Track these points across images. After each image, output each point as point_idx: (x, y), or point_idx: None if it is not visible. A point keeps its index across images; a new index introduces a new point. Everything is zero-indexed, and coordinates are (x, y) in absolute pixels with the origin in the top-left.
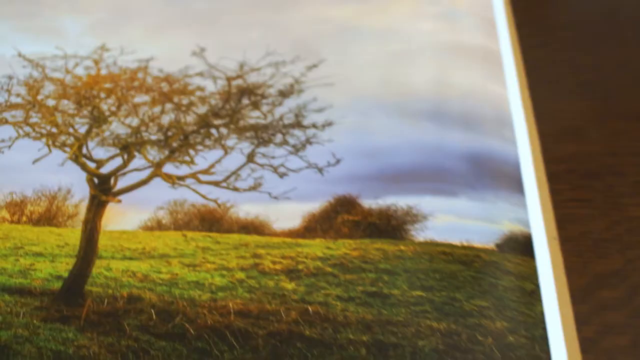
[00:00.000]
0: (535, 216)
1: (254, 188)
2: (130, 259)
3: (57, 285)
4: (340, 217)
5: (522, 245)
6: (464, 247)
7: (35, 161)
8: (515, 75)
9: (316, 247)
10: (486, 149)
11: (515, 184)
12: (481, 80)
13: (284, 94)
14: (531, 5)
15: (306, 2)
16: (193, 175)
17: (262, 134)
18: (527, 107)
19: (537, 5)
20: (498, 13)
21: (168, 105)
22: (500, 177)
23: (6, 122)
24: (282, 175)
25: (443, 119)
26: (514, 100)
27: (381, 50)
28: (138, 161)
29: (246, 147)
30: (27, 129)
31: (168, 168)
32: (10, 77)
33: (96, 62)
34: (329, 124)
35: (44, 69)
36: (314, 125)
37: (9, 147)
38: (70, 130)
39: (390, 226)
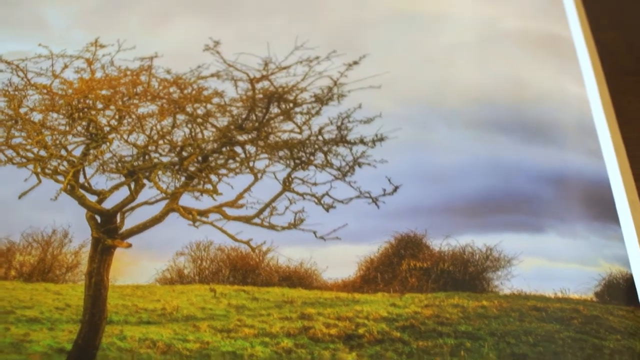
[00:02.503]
0: (634, 253)
1: (294, 225)
2: (148, 323)
3: None
4: (405, 263)
5: (624, 291)
6: (558, 300)
7: (21, 195)
8: (591, 68)
9: (378, 303)
10: (571, 167)
11: (608, 210)
12: (555, 76)
13: (322, 100)
14: None
15: None
16: (218, 209)
17: (298, 153)
18: (608, 107)
19: None
20: None
21: (180, 117)
22: (591, 202)
23: None
24: (328, 208)
25: (518, 130)
26: (593, 100)
27: (436, 42)
28: (148, 191)
29: (280, 170)
30: (10, 152)
31: (186, 200)
32: None
33: (89, 62)
34: (380, 139)
35: (26, 74)
36: (362, 141)
37: None
38: (63, 152)
39: (467, 274)
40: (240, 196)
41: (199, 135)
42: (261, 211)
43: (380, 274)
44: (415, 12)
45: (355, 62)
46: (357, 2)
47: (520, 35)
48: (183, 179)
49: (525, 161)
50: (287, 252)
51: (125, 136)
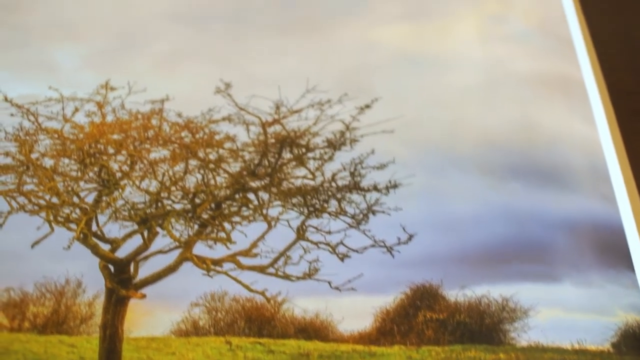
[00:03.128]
0: None
1: (309, 275)
2: None
3: None
4: (422, 315)
5: None
6: (575, 352)
7: (34, 244)
8: (602, 109)
9: (395, 356)
10: (585, 214)
11: (623, 257)
12: (568, 119)
13: (334, 145)
14: (608, 17)
15: (349, 21)
16: (232, 258)
17: (312, 200)
18: (621, 151)
19: (614, 15)
20: (573, 29)
21: (192, 162)
22: (605, 250)
23: None
24: (343, 258)
25: (531, 175)
26: (605, 142)
27: (445, 84)
28: (162, 240)
29: (294, 217)
30: (22, 199)
31: (200, 248)
32: None
33: (100, 106)
34: (394, 186)
35: (37, 117)
36: (376, 188)
37: (1, 225)
38: (75, 199)
39: (484, 326)
40: (254, 245)
41: (212, 182)
42: (275, 260)
43: (396, 326)
44: (424, 55)
45: (367, 106)
46: (366, 45)
47: (531, 76)
48: (196, 226)
49: (539, 208)
50: (303, 303)
51: (137, 182)
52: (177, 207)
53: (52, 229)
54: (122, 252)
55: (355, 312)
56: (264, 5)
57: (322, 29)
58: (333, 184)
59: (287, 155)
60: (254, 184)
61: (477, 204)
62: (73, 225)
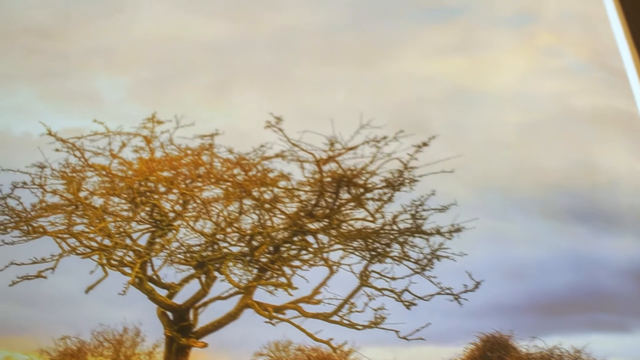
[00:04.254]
0: None
1: (375, 324)
2: None
3: None
4: None
5: None
6: None
7: (88, 289)
8: None
9: None
10: None
11: None
12: (627, 157)
13: (393, 185)
14: None
15: (398, 53)
16: (294, 305)
17: (373, 244)
18: None
19: None
20: (627, 62)
21: (246, 202)
22: None
23: (44, 232)
24: (409, 305)
25: (594, 218)
26: None
27: (503, 121)
28: (220, 285)
29: (356, 262)
30: (72, 241)
31: (260, 294)
32: (41, 167)
33: (148, 141)
34: (457, 229)
35: (83, 153)
36: (439, 232)
37: (53, 269)
38: (128, 241)
39: None
40: (316, 291)
41: (268, 223)
42: (340, 308)
43: None
44: (479, 89)
45: (425, 144)
46: (418, 78)
47: (588, 112)
48: (255, 271)
49: (606, 253)
50: (369, 353)
51: (191, 223)
52: (234, 249)
53: (106, 273)
54: (179, 298)
55: None
56: (310, 35)
57: (372, 60)
58: (394, 227)
59: (344, 195)
60: (313, 225)
61: (542, 250)
62: (127, 269)
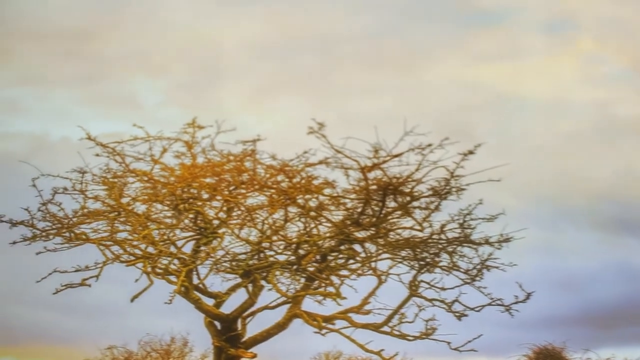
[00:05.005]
0: None
1: (426, 335)
2: None
3: None
4: None
5: None
6: None
7: (133, 298)
8: None
9: None
10: None
11: None
12: None
13: (440, 193)
14: None
15: (442, 59)
16: (344, 316)
17: (421, 253)
18: None
19: None
20: None
21: (291, 209)
22: None
23: (87, 239)
24: (460, 316)
25: None
26: None
27: (550, 129)
28: (267, 294)
29: (405, 272)
30: (116, 249)
31: (308, 304)
32: (82, 172)
33: (189, 146)
34: (506, 240)
35: (124, 158)
36: (488, 242)
37: (97, 277)
38: (172, 249)
39: None
40: (365, 301)
41: (314, 231)
42: (390, 318)
43: None
44: (523, 97)
45: (471, 152)
46: (463, 84)
47: (635, 121)
48: (303, 280)
49: None
50: None
51: (236, 231)
52: (281, 258)
53: (151, 282)
54: (227, 308)
55: None
56: (351, 40)
57: (414, 66)
58: (443, 236)
59: (391, 203)
60: (359, 234)
61: (594, 260)
62: (173, 278)
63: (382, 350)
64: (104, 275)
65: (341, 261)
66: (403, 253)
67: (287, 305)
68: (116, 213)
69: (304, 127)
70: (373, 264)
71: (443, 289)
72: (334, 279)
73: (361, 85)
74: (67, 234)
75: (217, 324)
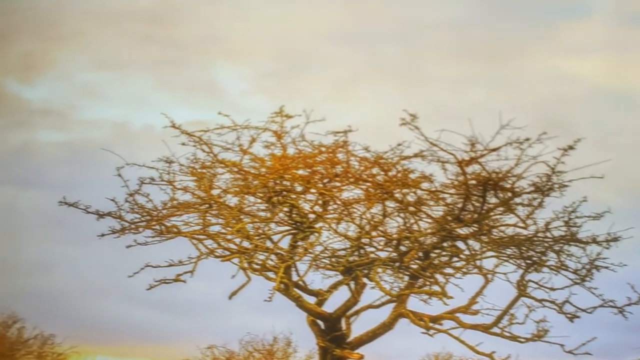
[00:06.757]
0: None
1: (538, 337)
2: None
3: None
4: None
5: None
6: None
7: (231, 295)
8: None
9: None
10: None
11: None
12: None
13: (542, 190)
14: None
15: (536, 50)
16: (451, 316)
17: (527, 252)
18: None
19: None
20: None
21: (389, 204)
22: None
23: (178, 232)
24: (572, 318)
25: None
26: None
27: None
28: (370, 292)
29: (511, 271)
30: (209, 243)
31: (414, 303)
32: (169, 161)
33: (278, 136)
34: (614, 239)
35: (212, 148)
36: (595, 241)
37: (192, 272)
38: (268, 244)
39: None
40: (473, 301)
41: (414, 227)
42: (499, 319)
43: None
44: (623, 91)
45: (571, 147)
46: (559, 77)
47: None
48: (406, 278)
49: None
50: None
51: (333, 225)
52: (382, 255)
53: (249, 278)
54: (329, 306)
55: None
56: (438, 28)
57: (506, 57)
58: (548, 234)
59: (492, 199)
60: (462, 231)
61: None
62: (271, 274)
63: (494, 352)
64: (198, 271)
65: (445, 259)
66: (508, 251)
67: (391, 304)
68: (207, 205)
69: (393, 118)
70: (478, 262)
71: (552, 289)
72: (439, 277)
73: (450, 76)
74: (157, 227)
75: (321, 323)
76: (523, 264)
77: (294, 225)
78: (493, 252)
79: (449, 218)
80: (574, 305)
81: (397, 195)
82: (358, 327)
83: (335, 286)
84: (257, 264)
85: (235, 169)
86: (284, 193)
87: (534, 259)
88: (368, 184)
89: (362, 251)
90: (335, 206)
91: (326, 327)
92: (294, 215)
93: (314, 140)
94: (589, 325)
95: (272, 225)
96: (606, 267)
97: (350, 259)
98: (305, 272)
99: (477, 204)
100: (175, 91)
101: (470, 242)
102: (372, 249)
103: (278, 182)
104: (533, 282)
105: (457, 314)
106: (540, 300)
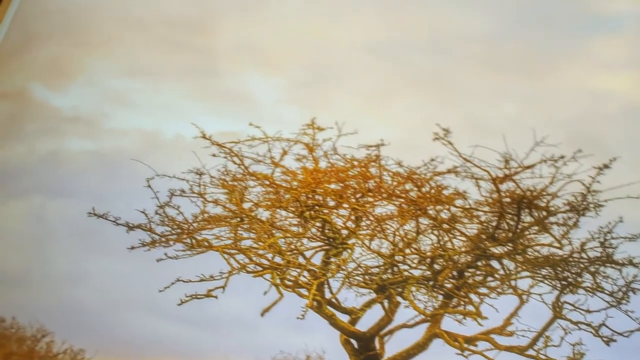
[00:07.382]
0: None
1: None
2: None
3: None
4: None
5: None
6: None
7: (264, 312)
8: None
9: None
10: None
11: None
12: None
13: (577, 209)
14: None
15: (568, 65)
16: (486, 337)
17: (563, 273)
18: None
19: None
20: None
21: (422, 220)
22: None
23: (209, 246)
24: (608, 341)
25: None
26: None
27: None
28: (404, 311)
29: (546, 292)
30: (241, 257)
31: (448, 323)
32: (199, 173)
33: (310, 149)
34: None
35: (243, 160)
36: (632, 262)
37: (223, 288)
38: (301, 260)
39: None
40: (508, 322)
41: (448, 245)
42: (534, 341)
43: None
44: None
45: (606, 166)
46: (592, 93)
47: None
48: (440, 297)
49: None
50: None
51: (366, 242)
52: (415, 273)
53: (281, 294)
54: (363, 325)
55: None
56: (470, 41)
57: (540, 71)
58: (583, 255)
59: (526, 218)
60: (496, 249)
61: None
62: (304, 291)
63: None
64: (229, 286)
65: (479, 278)
66: (543, 272)
67: (426, 324)
68: (239, 219)
69: (425, 132)
70: (513, 282)
71: (588, 311)
72: (473, 296)
73: (483, 90)
74: (188, 240)
75: (354, 342)
76: (558, 285)
77: (326, 241)
78: (528, 272)
79: (483, 236)
80: (610, 329)
81: (430, 212)
82: (392, 347)
83: (368, 304)
84: (289, 280)
85: (267, 182)
86: (316, 207)
87: (570, 280)
88: (401, 199)
89: (395, 269)
90: (368, 222)
91: (360, 347)
92: (326, 231)
93: (346, 154)
94: (627, 349)
95: (305, 240)
96: None
97: (384, 276)
98: (338, 290)
99: (511, 223)
100: (207, 100)
101: (505, 261)
102: (406, 267)
103: (310, 196)
104: (569, 303)
105: (492, 335)
106: (576, 323)
